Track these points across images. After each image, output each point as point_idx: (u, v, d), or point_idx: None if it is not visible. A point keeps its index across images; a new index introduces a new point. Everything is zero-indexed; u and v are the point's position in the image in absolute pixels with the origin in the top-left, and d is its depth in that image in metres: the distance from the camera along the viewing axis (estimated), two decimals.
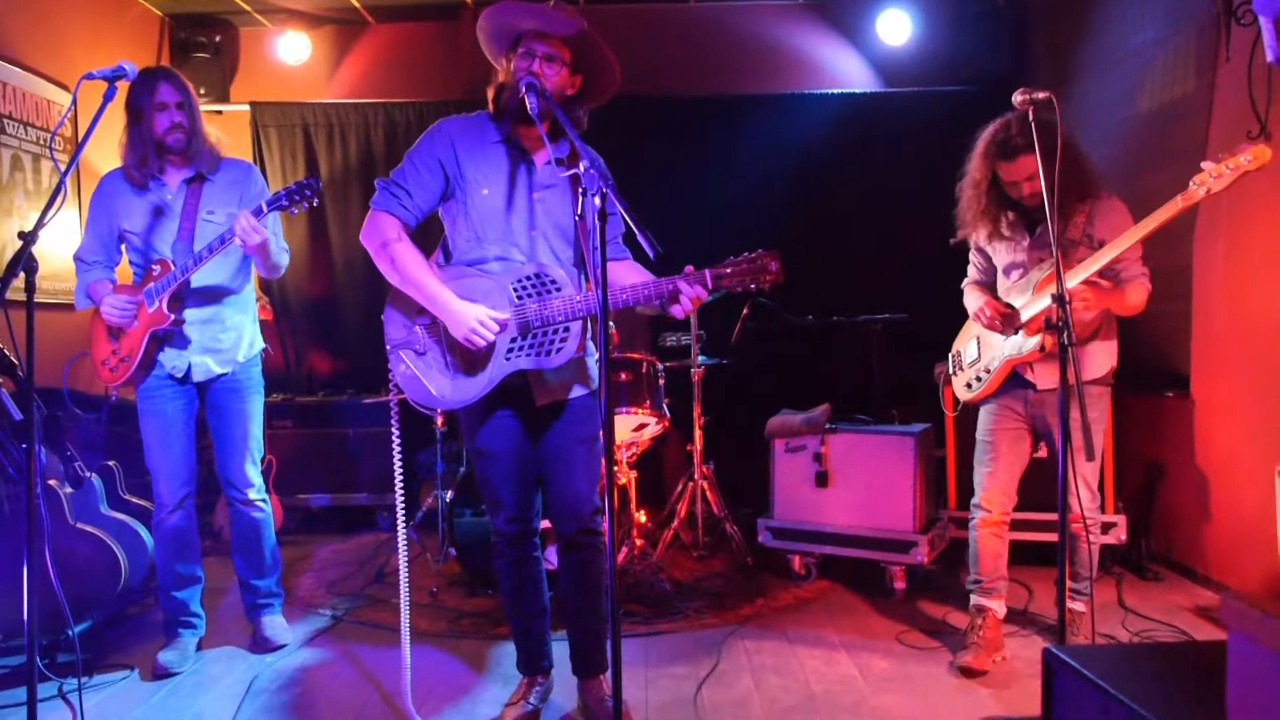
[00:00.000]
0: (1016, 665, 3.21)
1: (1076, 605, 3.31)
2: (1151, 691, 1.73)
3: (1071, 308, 2.82)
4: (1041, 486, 3.53)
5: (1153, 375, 4.32)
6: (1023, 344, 3.15)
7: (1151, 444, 4.36)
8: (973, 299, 3.40)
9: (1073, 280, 2.97)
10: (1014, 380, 3.27)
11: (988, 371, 3.30)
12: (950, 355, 3.57)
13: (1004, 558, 3.34)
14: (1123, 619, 3.58)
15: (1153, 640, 3.37)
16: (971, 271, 3.54)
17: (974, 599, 3.35)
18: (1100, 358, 3.25)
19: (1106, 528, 4.04)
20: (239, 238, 3.03)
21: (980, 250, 3.45)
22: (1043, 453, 3.51)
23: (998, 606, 3.31)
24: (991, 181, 3.21)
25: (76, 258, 3.36)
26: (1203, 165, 2.74)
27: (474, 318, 2.50)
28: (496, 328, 2.51)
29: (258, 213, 3.07)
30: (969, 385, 3.40)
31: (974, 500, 3.37)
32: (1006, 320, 3.20)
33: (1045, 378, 3.21)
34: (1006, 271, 3.33)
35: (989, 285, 3.44)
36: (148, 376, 3.31)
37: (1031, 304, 3.12)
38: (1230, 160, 2.69)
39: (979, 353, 3.37)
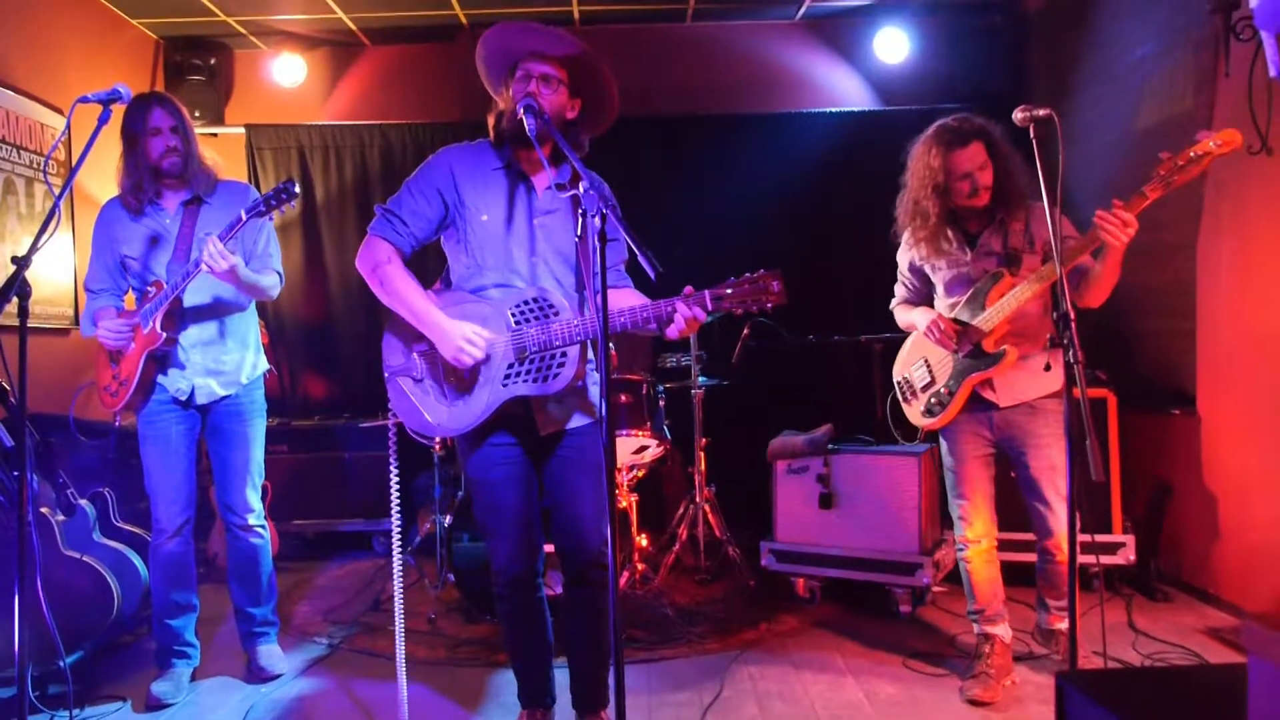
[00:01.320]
0: (1026, 690, 3.15)
1: (1064, 624, 3.26)
2: (1169, 717, 1.68)
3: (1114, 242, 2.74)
4: (1015, 506, 3.42)
5: (1158, 393, 4.29)
6: (990, 358, 3.08)
7: (1158, 463, 4.32)
8: (918, 316, 3.27)
9: (1027, 291, 2.95)
10: (973, 401, 3.17)
11: (949, 394, 3.18)
12: (896, 383, 3.42)
13: (999, 581, 3.27)
14: (1133, 641, 3.53)
15: (1166, 663, 3.32)
16: (901, 291, 3.44)
17: (979, 628, 3.28)
18: (1055, 372, 3.15)
19: (1114, 548, 4.00)
20: (205, 263, 3.00)
21: (916, 270, 3.34)
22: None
23: (1004, 631, 3.25)
24: (942, 185, 3.07)
25: (85, 287, 3.39)
26: (1161, 156, 2.68)
27: (460, 335, 2.47)
28: (483, 344, 2.47)
29: (236, 223, 3.04)
30: (928, 411, 3.26)
31: (958, 533, 3.27)
32: (962, 336, 3.12)
33: (1007, 395, 3.13)
34: (949, 288, 3.23)
35: (924, 303, 3.36)
36: (148, 400, 3.29)
37: (988, 317, 3.07)
38: (1195, 149, 2.62)
39: (931, 375, 3.26)
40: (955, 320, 3.14)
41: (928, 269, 3.28)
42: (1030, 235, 3.08)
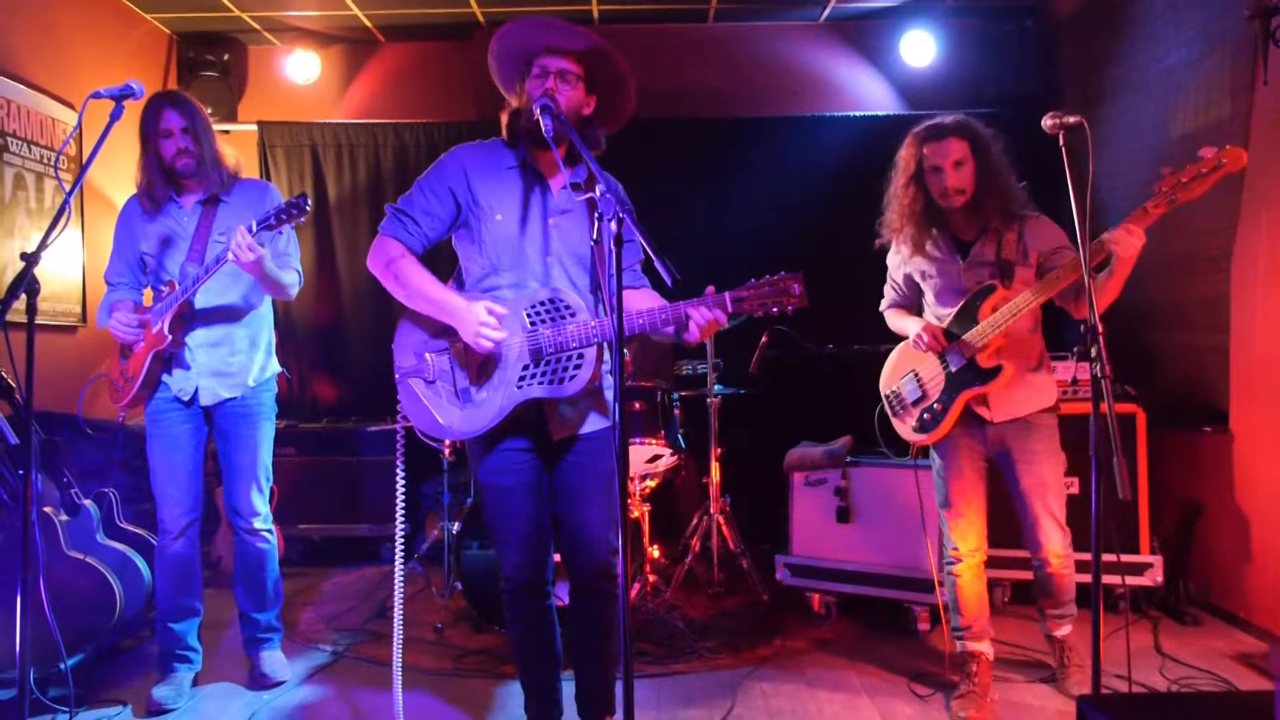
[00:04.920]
0: (1047, 714, 3.07)
1: (1063, 630, 3.25)
2: None
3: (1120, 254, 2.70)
4: (1011, 524, 3.31)
5: (1189, 409, 4.18)
6: (985, 374, 3.00)
7: (1188, 482, 4.20)
8: (911, 324, 3.18)
9: (1025, 305, 2.88)
10: (966, 416, 3.09)
11: (943, 410, 3.09)
12: (885, 396, 3.31)
13: (986, 598, 3.23)
14: (1160, 665, 3.43)
15: (1193, 689, 3.23)
16: (891, 294, 3.37)
17: (964, 645, 3.22)
18: (1047, 387, 3.11)
19: (1141, 568, 3.90)
20: (232, 253, 2.95)
21: (905, 277, 3.27)
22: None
23: (988, 649, 3.21)
24: (917, 176, 3.07)
25: (105, 280, 3.38)
26: (1163, 171, 2.66)
27: (482, 308, 2.39)
28: (499, 319, 2.40)
29: (248, 230, 2.99)
30: (920, 427, 3.16)
31: (950, 548, 3.21)
32: (953, 350, 3.06)
33: (1001, 410, 3.06)
34: (940, 298, 3.15)
35: (913, 310, 3.30)
36: (153, 397, 3.26)
37: (981, 331, 2.98)
38: (1201, 165, 2.60)
39: (923, 390, 3.16)
40: (946, 332, 3.07)
41: (917, 276, 3.22)
42: (1024, 247, 3.02)
